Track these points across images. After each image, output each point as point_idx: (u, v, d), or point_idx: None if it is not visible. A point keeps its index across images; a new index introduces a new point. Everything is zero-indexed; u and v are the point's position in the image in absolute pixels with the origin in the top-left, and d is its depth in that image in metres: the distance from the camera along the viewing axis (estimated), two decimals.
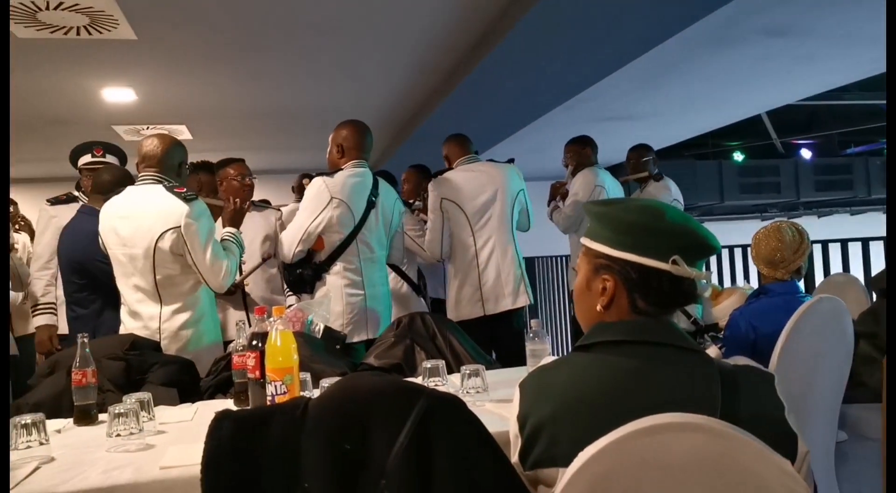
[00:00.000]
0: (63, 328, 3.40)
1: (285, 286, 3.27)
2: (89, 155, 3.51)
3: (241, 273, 3.11)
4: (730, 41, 4.28)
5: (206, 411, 1.95)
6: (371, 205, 3.02)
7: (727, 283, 4.58)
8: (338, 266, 2.98)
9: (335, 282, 2.97)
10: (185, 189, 2.58)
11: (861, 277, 3.51)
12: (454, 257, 3.55)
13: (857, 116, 11.63)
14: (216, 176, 3.35)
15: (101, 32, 3.64)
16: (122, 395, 1.85)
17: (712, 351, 1.87)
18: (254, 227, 3.23)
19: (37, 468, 1.51)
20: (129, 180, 3.12)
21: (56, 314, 3.48)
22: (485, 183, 3.51)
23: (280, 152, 7.63)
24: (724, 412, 1.05)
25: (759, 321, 2.26)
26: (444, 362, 2.06)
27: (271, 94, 5.21)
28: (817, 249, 3.88)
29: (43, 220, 3.55)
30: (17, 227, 4.38)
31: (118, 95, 4.90)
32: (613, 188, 4.24)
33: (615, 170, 4.46)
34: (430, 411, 1.07)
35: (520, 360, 2.27)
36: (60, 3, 3.25)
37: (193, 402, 2.14)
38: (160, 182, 2.59)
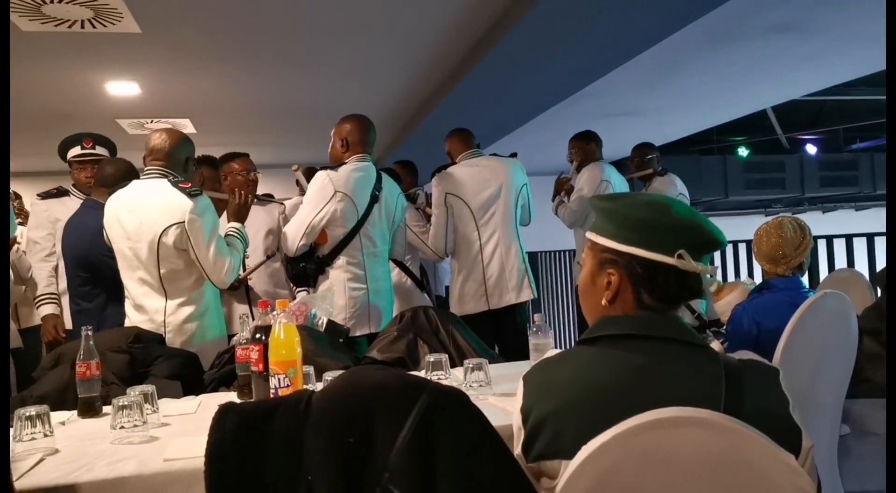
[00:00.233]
0: (67, 323, 3.40)
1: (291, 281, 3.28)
2: (79, 147, 3.48)
3: (244, 268, 3.12)
4: (734, 37, 4.27)
5: (209, 404, 1.96)
6: (374, 199, 3.02)
7: (731, 278, 4.59)
8: (341, 260, 2.98)
9: (338, 276, 2.97)
10: (190, 185, 2.58)
11: (865, 272, 3.50)
12: (458, 251, 3.55)
13: (862, 111, 11.57)
14: (220, 171, 3.35)
15: (105, 26, 3.63)
16: (125, 387, 1.85)
17: (715, 346, 1.86)
18: (257, 221, 3.22)
19: (41, 460, 1.52)
20: (134, 173, 3.12)
21: (59, 305, 3.48)
22: (489, 178, 3.51)
23: (283, 147, 7.63)
24: (729, 407, 1.05)
25: (761, 317, 2.26)
26: (447, 356, 2.06)
27: (275, 89, 5.20)
28: (822, 244, 3.87)
29: (37, 214, 3.53)
30: (18, 221, 4.37)
31: (122, 88, 4.90)
32: (619, 183, 4.24)
33: (619, 166, 4.44)
34: (433, 405, 1.07)
35: (523, 354, 2.27)
36: None
37: (197, 395, 2.15)
38: (166, 177, 2.59)
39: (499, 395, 1.90)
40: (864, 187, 12.66)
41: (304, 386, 1.72)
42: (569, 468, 0.99)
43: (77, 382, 1.92)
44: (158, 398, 1.87)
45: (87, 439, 1.68)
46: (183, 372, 2.27)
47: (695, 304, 2.44)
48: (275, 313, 1.70)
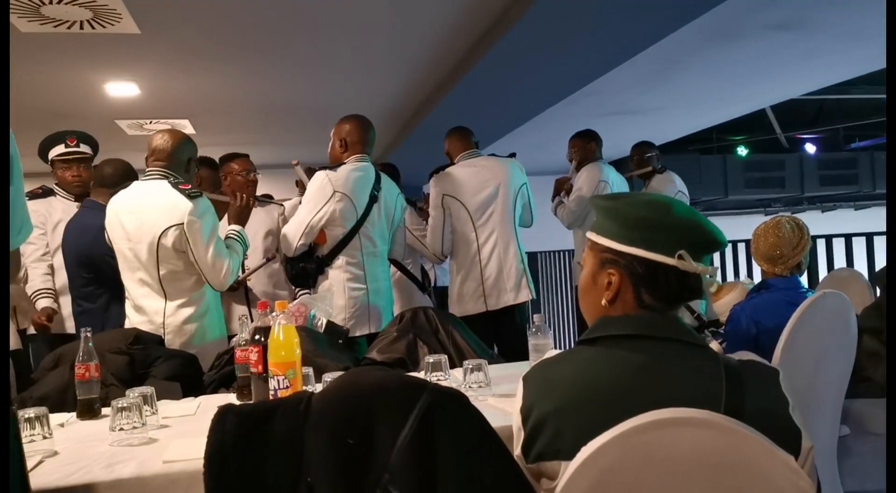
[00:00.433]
0: (67, 322, 3.39)
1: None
2: (62, 146, 3.40)
3: (244, 270, 3.11)
4: (734, 35, 4.27)
5: (209, 405, 1.96)
6: (374, 199, 3.02)
7: (731, 278, 4.59)
8: (340, 260, 2.98)
9: (337, 276, 2.97)
10: (190, 186, 2.58)
11: (865, 272, 3.50)
12: (456, 252, 3.54)
13: (862, 110, 11.55)
14: (220, 171, 3.35)
15: (104, 27, 3.63)
16: (125, 389, 1.85)
17: (713, 346, 1.86)
18: (256, 222, 3.23)
19: (40, 462, 1.52)
20: (132, 173, 3.12)
21: (57, 301, 3.43)
22: (487, 178, 3.50)
23: (283, 147, 7.62)
24: (729, 408, 1.05)
25: (760, 316, 2.26)
26: (446, 356, 2.06)
27: (275, 89, 5.20)
28: (821, 244, 3.88)
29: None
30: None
31: (121, 89, 4.89)
32: (618, 183, 4.24)
33: (619, 165, 4.45)
34: (433, 405, 1.07)
35: (522, 355, 2.27)
36: None
37: (196, 396, 2.15)
38: (166, 178, 2.59)
39: (498, 396, 1.89)
40: (864, 186, 12.65)
41: (304, 387, 1.72)
42: (569, 468, 0.99)
43: (76, 383, 1.92)
44: (158, 400, 1.87)
45: (87, 441, 1.68)
46: (182, 374, 2.27)
47: (694, 304, 2.44)
48: (274, 314, 1.70)
